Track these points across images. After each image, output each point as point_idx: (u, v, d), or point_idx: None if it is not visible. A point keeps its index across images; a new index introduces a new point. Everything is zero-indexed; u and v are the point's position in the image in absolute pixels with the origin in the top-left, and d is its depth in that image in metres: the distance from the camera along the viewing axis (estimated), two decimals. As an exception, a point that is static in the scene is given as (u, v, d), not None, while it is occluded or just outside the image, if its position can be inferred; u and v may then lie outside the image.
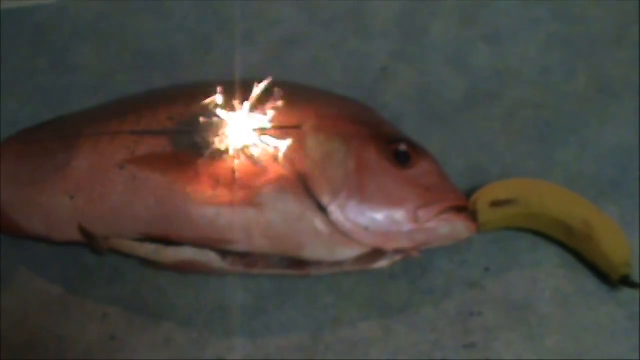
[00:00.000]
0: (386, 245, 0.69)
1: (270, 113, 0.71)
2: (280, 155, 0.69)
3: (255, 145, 0.70)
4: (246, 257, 0.71)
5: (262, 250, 0.70)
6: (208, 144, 0.70)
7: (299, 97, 0.74)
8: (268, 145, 0.69)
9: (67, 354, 0.71)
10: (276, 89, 0.71)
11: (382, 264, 0.71)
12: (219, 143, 0.70)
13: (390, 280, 0.74)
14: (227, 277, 0.74)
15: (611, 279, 0.71)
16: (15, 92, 0.93)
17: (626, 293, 0.71)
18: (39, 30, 1.00)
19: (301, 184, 0.69)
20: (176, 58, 0.95)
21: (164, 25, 0.99)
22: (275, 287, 0.74)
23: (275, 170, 0.69)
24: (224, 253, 0.71)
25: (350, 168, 0.69)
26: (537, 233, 0.75)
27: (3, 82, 0.94)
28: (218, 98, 0.71)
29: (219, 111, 0.71)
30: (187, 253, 0.71)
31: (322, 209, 0.68)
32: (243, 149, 0.69)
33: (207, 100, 0.71)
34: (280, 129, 0.70)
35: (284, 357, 0.70)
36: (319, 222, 0.68)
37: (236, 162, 0.69)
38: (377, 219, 0.68)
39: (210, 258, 0.71)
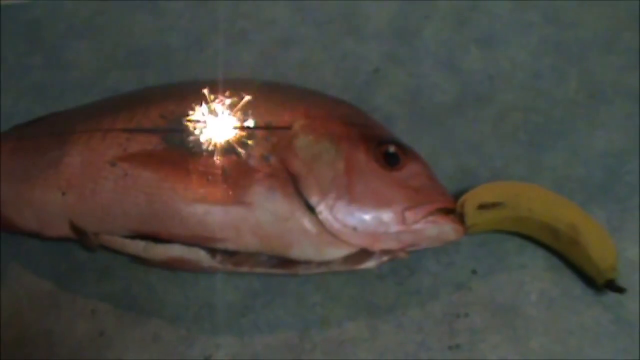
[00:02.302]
0: (374, 246, 0.70)
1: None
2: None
3: (245, 144, 0.70)
4: (235, 256, 0.71)
5: (251, 249, 0.70)
6: (199, 143, 0.70)
7: (290, 97, 0.75)
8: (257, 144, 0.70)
9: (56, 349, 0.71)
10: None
11: (370, 264, 0.71)
12: (209, 141, 0.70)
13: (378, 280, 0.74)
14: (216, 275, 0.74)
15: (597, 283, 0.71)
16: (9, 88, 0.93)
17: (611, 297, 0.71)
18: (33, 27, 1.00)
19: (290, 183, 0.69)
20: (170, 57, 0.95)
21: (158, 24, 0.99)
22: (264, 285, 0.74)
23: (265, 170, 0.69)
24: (213, 251, 0.71)
25: (340, 169, 0.70)
26: (524, 236, 0.76)
27: (-2, 78, 0.94)
28: (209, 97, 0.71)
29: (209, 110, 0.71)
30: (176, 250, 0.71)
31: (311, 209, 0.68)
32: (233, 148, 0.70)
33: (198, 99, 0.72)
34: (270, 129, 0.71)
35: (271, 355, 0.70)
36: (307, 222, 0.69)
37: (226, 160, 0.69)
38: (365, 219, 0.69)
39: (200, 256, 0.71)
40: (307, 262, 0.71)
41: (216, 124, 0.71)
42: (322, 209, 0.68)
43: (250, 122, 0.71)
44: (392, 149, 0.71)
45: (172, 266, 0.73)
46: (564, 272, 0.74)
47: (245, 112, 0.72)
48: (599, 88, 0.89)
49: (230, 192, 0.69)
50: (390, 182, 0.70)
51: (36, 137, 0.77)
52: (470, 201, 0.73)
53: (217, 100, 0.72)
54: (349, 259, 0.71)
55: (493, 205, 0.73)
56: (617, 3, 0.97)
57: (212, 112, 0.72)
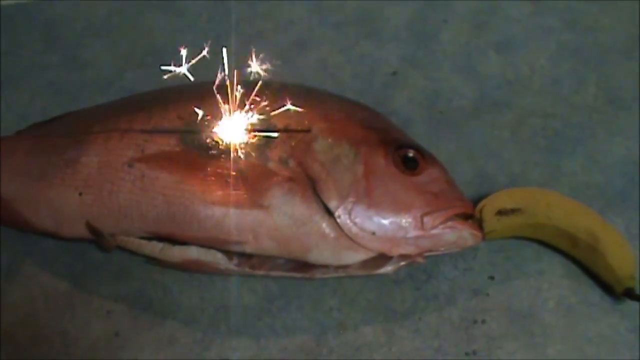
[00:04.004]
0: (392, 250, 0.69)
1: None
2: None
3: (263, 146, 0.70)
4: (252, 259, 0.71)
5: (268, 252, 0.70)
6: (217, 145, 0.70)
7: (309, 100, 0.74)
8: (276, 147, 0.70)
9: (71, 350, 0.71)
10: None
11: (387, 269, 0.71)
12: (227, 144, 0.70)
13: (395, 285, 0.74)
14: (232, 277, 0.74)
15: (615, 291, 0.71)
16: (26, 86, 0.93)
17: (630, 305, 0.71)
18: (50, 26, 1.01)
19: (309, 187, 0.69)
20: (187, 57, 0.95)
21: (175, 24, 1.00)
22: (280, 289, 0.74)
23: (284, 173, 0.69)
24: (230, 254, 0.71)
25: (358, 173, 0.69)
26: (542, 243, 0.75)
27: (15, 76, 0.94)
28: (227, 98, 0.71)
29: (228, 111, 0.71)
30: (193, 252, 0.71)
31: (330, 213, 0.68)
32: (252, 151, 0.70)
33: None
34: (290, 132, 0.71)
35: (287, 359, 0.70)
36: (325, 226, 0.69)
37: (244, 163, 0.69)
38: (384, 224, 0.69)
39: (217, 258, 0.71)
40: (325, 266, 0.71)
41: (234, 126, 0.71)
42: (340, 213, 0.68)
43: (269, 125, 0.71)
44: (411, 153, 0.71)
45: (188, 268, 0.73)
46: (582, 280, 0.74)
47: (264, 114, 0.72)
48: (618, 94, 0.88)
49: (249, 195, 0.69)
50: (409, 186, 0.70)
51: (53, 137, 0.77)
52: (488, 207, 0.73)
53: (235, 102, 0.72)
54: (367, 263, 0.70)
55: (511, 211, 0.73)
56: (636, 9, 0.96)
57: (231, 113, 0.71)
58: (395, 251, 0.70)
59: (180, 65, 0.88)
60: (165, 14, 1.00)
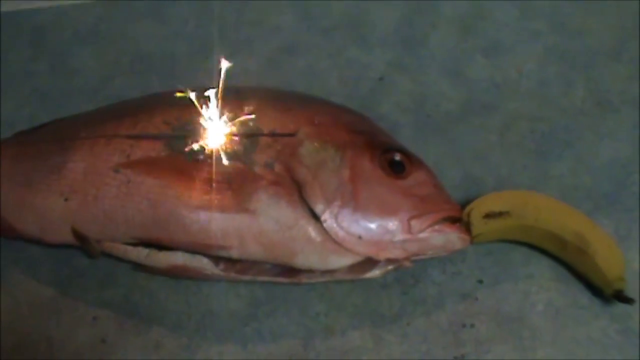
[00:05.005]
0: (379, 254, 0.69)
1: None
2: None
3: (249, 151, 0.70)
4: (238, 263, 0.71)
5: (255, 257, 0.70)
6: (202, 149, 0.70)
7: (295, 104, 0.74)
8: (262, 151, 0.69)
9: (57, 356, 0.71)
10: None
11: (375, 273, 0.71)
12: (213, 148, 0.70)
13: (383, 290, 0.73)
14: (219, 283, 0.74)
15: (604, 293, 0.71)
16: (13, 94, 0.93)
17: (619, 307, 0.71)
18: (38, 33, 1.00)
19: (295, 191, 0.69)
20: (174, 63, 0.95)
21: (163, 31, 0.99)
22: (267, 294, 0.73)
23: (270, 177, 0.69)
24: (216, 259, 0.71)
25: (345, 176, 0.69)
26: (530, 246, 0.75)
27: (2, 84, 0.94)
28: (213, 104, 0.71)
29: (213, 116, 0.71)
30: (179, 258, 0.71)
31: (316, 217, 0.68)
32: (237, 155, 0.69)
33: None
34: (275, 136, 0.70)
35: (274, 364, 0.70)
36: (312, 230, 0.68)
37: (230, 167, 0.69)
38: (370, 228, 0.68)
39: (203, 263, 0.71)
40: (311, 271, 0.70)
41: (220, 130, 0.71)
42: (326, 217, 0.68)
43: (254, 129, 0.71)
44: (397, 156, 0.71)
45: (174, 274, 0.72)
46: (571, 282, 0.73)
47: (250, 119, 0.71)
48: (606, 97, 0.88)
49: (234, 200, 0.68)
50: (396, 190, 0.70)
51: (39, 143, 0.77)
52: (476, 210, 0.73)
53: (221, 107, 0.72)
54: (354, 267, 0.70)
55: (499, 215, 0.72)
56: (623, 12, 0.97)
57: (216, 118, 0.71)
58: (382, 255, 0.69)
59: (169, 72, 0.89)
60: (153, 20, 1.00)
